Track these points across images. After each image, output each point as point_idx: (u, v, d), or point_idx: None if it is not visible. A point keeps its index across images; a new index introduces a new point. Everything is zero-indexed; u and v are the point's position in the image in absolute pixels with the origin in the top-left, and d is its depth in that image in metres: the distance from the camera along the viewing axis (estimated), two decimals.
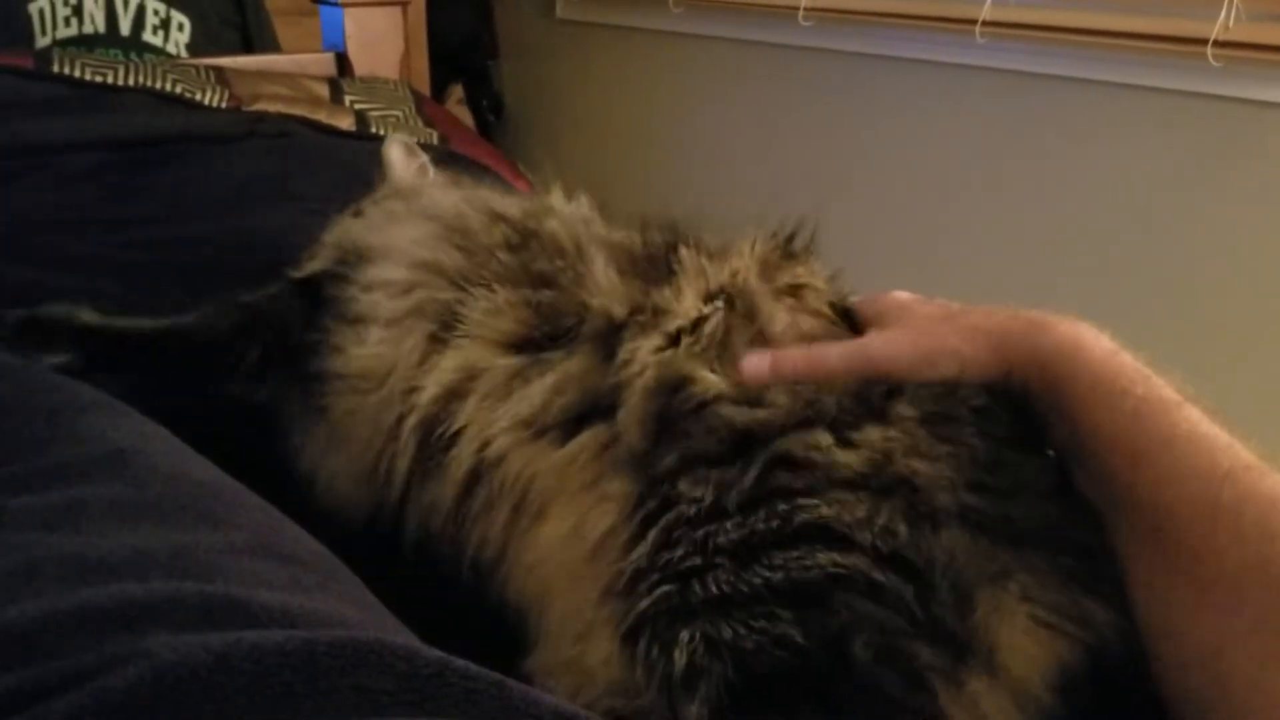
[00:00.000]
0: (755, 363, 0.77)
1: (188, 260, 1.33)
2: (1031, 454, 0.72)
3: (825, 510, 0.66)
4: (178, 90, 1.91)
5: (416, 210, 0.97)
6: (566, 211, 0.93)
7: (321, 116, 2.02)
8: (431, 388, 0.80)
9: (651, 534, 0.69)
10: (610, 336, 0.79)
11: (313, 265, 0.98)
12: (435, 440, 0.80)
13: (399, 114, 2.21)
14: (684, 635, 0.64)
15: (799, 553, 0.65)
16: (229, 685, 0.43)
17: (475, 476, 0.78)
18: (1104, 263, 1.91)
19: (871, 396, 0.73)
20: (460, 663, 0.47)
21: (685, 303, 0.81)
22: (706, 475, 0.70)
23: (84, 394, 0.78)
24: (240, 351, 0.92)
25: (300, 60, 2.43)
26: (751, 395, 0.74)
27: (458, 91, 3.23)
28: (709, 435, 0.72)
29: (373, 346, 0.85)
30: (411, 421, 0.81)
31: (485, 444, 0.78)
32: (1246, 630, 0.58)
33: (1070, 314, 0.73)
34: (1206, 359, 1.73)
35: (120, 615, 0.49)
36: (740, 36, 2.58)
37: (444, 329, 0.82)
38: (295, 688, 0.43)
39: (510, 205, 0.96)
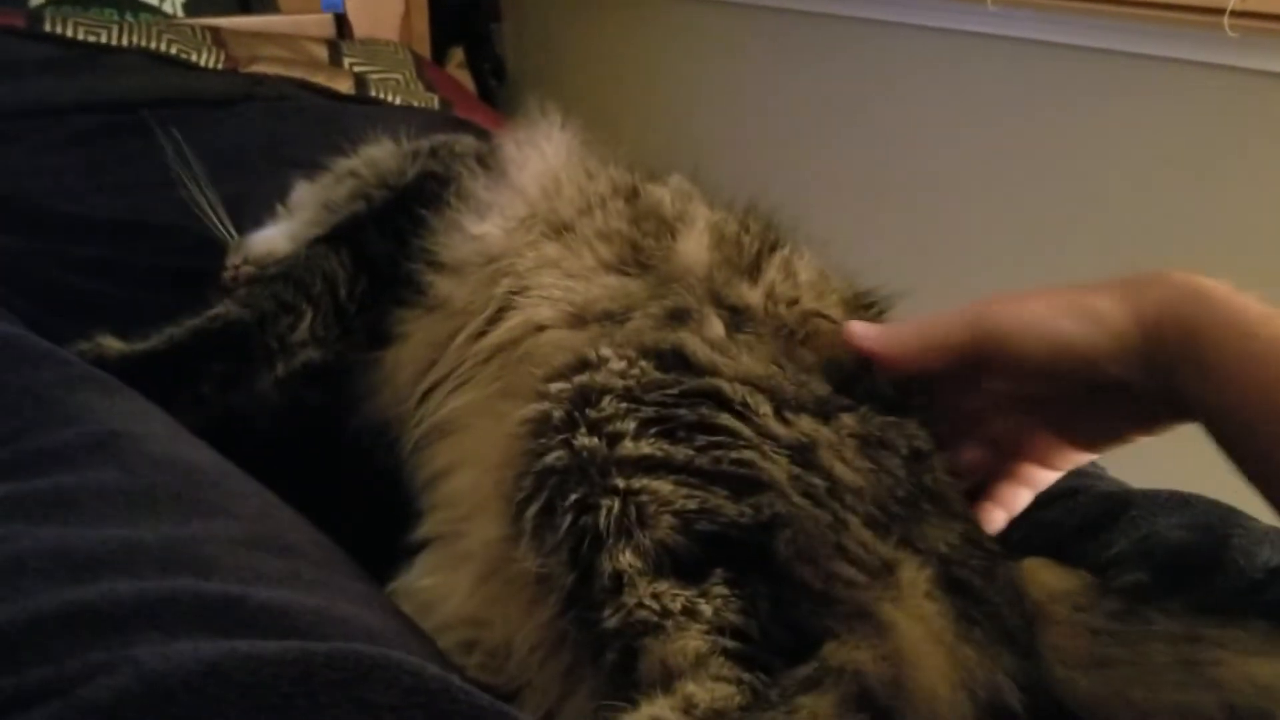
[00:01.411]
0: (863, 329, 0.77)
1: (185, 225, 1.30)
2: (944, 512, 0.71)
3: (745, 430, 0.67)
4: (173, 51, 1.87)
5: (538, 144, 1.02)
6: (672, 183, 0.99)
7: (320, 79, 1.99)
8: (529, 260, 0.87)
9: (571, 391, 0.70)
10: (669, 283, 0.82)
11: (414, 168, 1.05)
12: (510, 299, 0.85)
13: (399, 77, 2.18)
14: (619, 483, 0.64)
15: (722, 440, 0.66)
16: (223, 697, 0.41)
17: (516, 340, 0.83)
18: (1115, 235, 1.88)
19: (829, 403, 0.73)
20: (462, 683, 0.45)
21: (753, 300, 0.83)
22: (634, 358, 0.72)
23: (75, 367, 0.75)
24: (292, 322, 0.93)
25: (299, 21, 2.39)
26: (724, 346, 0.75)
27: (458, 55, 3.18)
28: (659, 345, 0.73)
29: (490, 228, 0.91)
30: (505, 285, 0.86)
31: (537, 307, 0.83)
32: None
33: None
34: None
35: (109, 617, 0.46)
36: (747, 0, 2.53)
37: (558, 229, 0.90)
38: (294, 700, 0.41)
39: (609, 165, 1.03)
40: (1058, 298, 0.71)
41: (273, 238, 1.11)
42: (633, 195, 0.94)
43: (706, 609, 0.61)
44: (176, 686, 0.41)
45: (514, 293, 0.85)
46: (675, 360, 0.72)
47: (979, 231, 2.10)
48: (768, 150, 2.52)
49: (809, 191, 2.37)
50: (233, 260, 1.11)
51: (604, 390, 0.69)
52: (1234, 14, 1.64)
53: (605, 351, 0.72)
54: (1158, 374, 0.67)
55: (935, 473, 0.72)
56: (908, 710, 0.59)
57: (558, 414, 0.69)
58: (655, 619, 0.61)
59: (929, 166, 2.19)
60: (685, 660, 0.59)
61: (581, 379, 0.70)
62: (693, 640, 0.60)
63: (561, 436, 0.67)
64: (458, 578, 0.73)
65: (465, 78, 3.06)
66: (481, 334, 0.86)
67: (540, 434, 0.69)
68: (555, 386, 0.71)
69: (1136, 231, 1.86)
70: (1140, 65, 1.82)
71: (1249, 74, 1.68)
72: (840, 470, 0.68)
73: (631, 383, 0.70)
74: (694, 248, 0.87)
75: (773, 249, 0.89)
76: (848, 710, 0.57)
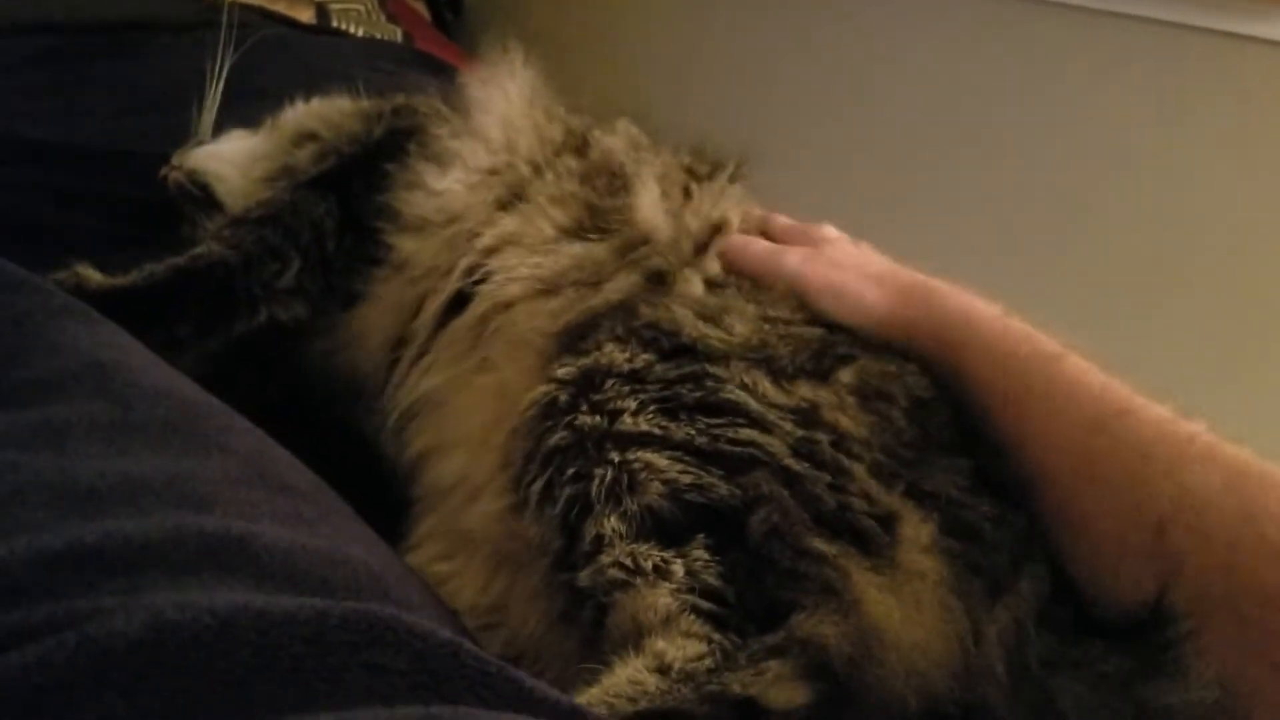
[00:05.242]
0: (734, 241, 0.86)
1: (141, 152, 1.27)
2: (952, 454, 0.73)
3: (750, 402, 0.70)
4: None
5: (502, 83, 1.02)
6: (620, 129, 1.00)
7: (280, 8, 1.94)
8: (488, 238, 0.88)
9: (576, 374, 0.73)
10: (635, 246, 0.85)
11: (380, 127, 1.03)
12: (472, 281, 0.87)
13: (360, 8, 2.13)
14: (615, 456, 0.67)
15: (722, 421, 0.69)
16: (233, 655, 0.40)
17: (484, 320, 0.85)
18: (1084, 198, 1.88)
19: (825, 358, 0.76)
20: (471, 646, 0.45)
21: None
22: (637, 351, 0.74)
23: (54, 297, 0.73)
24: (278, 270, 0.91)
25: None
26: (713, 314, 0.77)
27: None
28: (653, 327, 0.76)
29: (451, 183, 0.92)
30: (465, 263, 0.88)
31: (504, 287, 0.85)
32: (1135, 567, 0.63)
33: (966, 267, 0.78)
34: (1183, 298, 1.72)
35: (116, 557, 0.45)
36: None
37: (512, 197, 0.90)
38: (305, 662, 0.41)
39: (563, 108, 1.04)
40: (840, 269, 0.84)
41: (220, 157, 1.10)
42: (583, 147, 0.96)
43: (679, 569, 0.63)
44: (189, 640, 0.40)
45: (477, 280, 0.86)
46: (673, 348, 0.74)
47: (951, 191, 2.09)
48: (736, 97, 2.49)
49: (780, 131, 2.36)
50: (174, 160, 1.10)
51: (608, 373, 0.72)
52: None
53: (608, 347, 0.74)
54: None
55: (939, 418, 0.74)
56: (867, 684, 0.62)
57: (563, 398, 0.72)
58: (624, 576, 0.63)
59: (900, 123, 2.17)
60: (655, 616, 0.62)
61: (586, 362, 0.73)
62: (663, 598, 0.62)
63: (566, 418, 0.70)
64: (470, 569, 0.75)
65: (422, 9, 2.99)
66: (448, 315, 0.87)
67: (547, 416, 0.72)
68: (562, 371, 0.73)
69: (1103, 194, 1.86)
70: (1111, 24, 1.82)
71: (1215, 35, 1.69)
72: (845, 423, 0.70)
73: (638, 367, 0.72)
74: (649, 205, 0.88)
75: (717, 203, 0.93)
76: (809, 678, 0.60)
